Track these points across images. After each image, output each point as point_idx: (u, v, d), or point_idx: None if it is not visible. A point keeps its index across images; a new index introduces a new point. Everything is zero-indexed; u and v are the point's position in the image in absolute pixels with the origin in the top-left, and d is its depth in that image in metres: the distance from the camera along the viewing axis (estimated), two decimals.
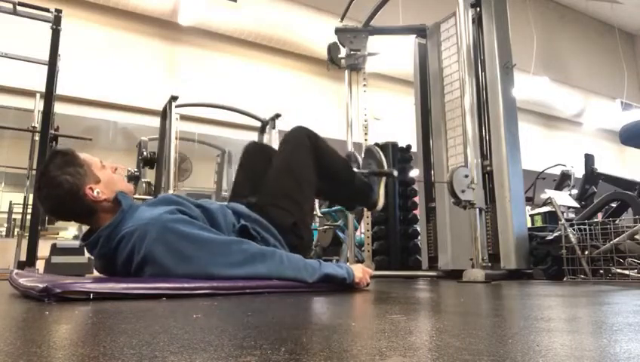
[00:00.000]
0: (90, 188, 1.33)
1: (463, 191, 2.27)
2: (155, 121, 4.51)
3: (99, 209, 1.35)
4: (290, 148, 1.70)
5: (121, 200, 1.34)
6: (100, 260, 1.38)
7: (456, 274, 2.48)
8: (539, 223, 3.24)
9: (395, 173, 2.04)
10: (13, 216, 6.53)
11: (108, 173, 1.42)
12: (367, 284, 1.46)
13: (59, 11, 3.04)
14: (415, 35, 3.46)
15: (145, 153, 4.40)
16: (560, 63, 9.59)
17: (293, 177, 1.64)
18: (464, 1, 2.61)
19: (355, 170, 1.97)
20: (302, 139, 1.70)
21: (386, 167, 2.01)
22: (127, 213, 1.32)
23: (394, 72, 7.53)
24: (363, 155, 2.12)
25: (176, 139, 3.95)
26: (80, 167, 1.36)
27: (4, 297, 1.18)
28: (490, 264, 2.35)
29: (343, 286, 1.37)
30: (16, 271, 1.66)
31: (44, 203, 1.36)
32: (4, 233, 6.85)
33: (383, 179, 2.02)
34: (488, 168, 2.76)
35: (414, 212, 3.43)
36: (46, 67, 2.95)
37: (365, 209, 2.12)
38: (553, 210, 2.92)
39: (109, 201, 1.35)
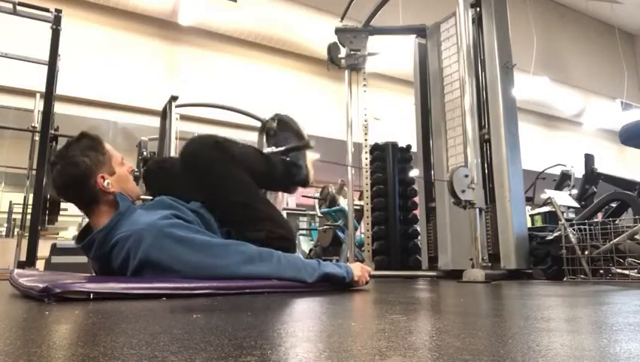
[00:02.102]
0: (102, 178, 1.35)
1: (463, 191, 2.26)
2: (155, 121, 4.51)
3: (102, 200, 1.35)
4: (209, 168, 1.52)
5: (119, 202, 1.34)
6: (96, 262, 1.39)
7: (456, 274, 2.48)
8: (539, 223, 3.24)
9: (312, 143, 1.82)
10: (13, 216, 6.54)
11: (124, 171, 1.44)
12: (367, 282, 1.46)
13: (59, 11, 3.04)
14: (415, 35, 3.46)
15: (145, 153, 4.40)
16: (560, 63, 9.59)
17: (237, 198, 1.52)
18: (464, 1, 2.61)
19: (273, 148, 1.80)
20: (215, 154, 1.52)
21: (305, 136, 1.83)
22: (124, 215, 1.32)
23: (394, 72, 7.54)
24: (276, 127, 1.94)
25: (176, 139, 3.94)
26: (102, 155, 1.38)
27: (4, 297, 1.18)
28: (490, 264, 2.34)
29: (342, 285, 1.37)
30: (16, 271, 1.66)
31: (55, 177, 1.37)
32: (4, 233, 6.86)
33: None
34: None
35: (414, 212, 3.42)
36: (46, 67, 2.95)
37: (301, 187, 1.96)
38: (553, 210, 2.92)
39: (114, 197, 1.36)
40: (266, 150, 1.81)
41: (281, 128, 1.93)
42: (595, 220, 2.66)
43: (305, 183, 1.87)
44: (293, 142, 1.84)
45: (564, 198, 3.20)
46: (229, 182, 1.53)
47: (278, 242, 1.48)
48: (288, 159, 1.80)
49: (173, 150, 3.87)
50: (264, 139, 2.10)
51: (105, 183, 1.34)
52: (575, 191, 3.99)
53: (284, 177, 1.81)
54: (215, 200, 1.53)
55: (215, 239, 1.31)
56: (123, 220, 1.31)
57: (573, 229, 2.40)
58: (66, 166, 1.34)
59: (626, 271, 2.19)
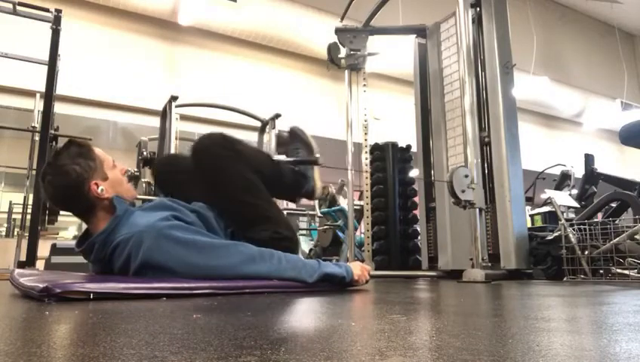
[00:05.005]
0: (96, 184, 1.33)
1: (463, 191, 2.26)
2: (155, 121, 4.51)
3: (98, 206, 1.35)
4: (217, 165, 1.52)
5: (116, 206, 1.33)
6: (95, 265, 1.38)
7: (456, 274, 2.47)
8: (539, 223, 3.24)
9: (321, 160, 1.85)
10: (13, 216, 6.54)
11: (117, 174, 1.42)
12: (367, 281, 1.47)
13: (59, 11, 3.04)
14: (415, 35, 3.46)
15: (145, 153, 4.40)
16: (560, 63, 9.60)
17: (244, 196, 1.52)
18: (464, 1, 2.61)
19: (283, 158, 1.83)
20: (222, 151, 1.53)
21: (314, 149, 1.87)
22: (122, 218, 1.31)
23: (394, 72, 7.54)
24: (288, 138, 1.97)
25: (176, 139, 3.95)
26: (92, 161, 1.36)
27: (4, 297, 1.18)
28: (490, 264, 2.34)
29: (342, 285, 1.37)
30: (17, 270, 1.66)
31: (47, 188, 1.35)
32: (4, 233, 6.86)
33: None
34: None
35: (414, 212, 3.42)
36: (46, 67, 2.95)
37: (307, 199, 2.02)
38: (553, 210, 2.92)
39: (110, 202, 1.35)
40: (276, 158, 1.83)
41: (292, 139, 1.96)
42: (595, 220, 2.66)
43: (311, 195, 1.91)
44: (303, 155, 1.89)
45: (564, 198, 3.20)
46: (234, 178, 1.52)
47: (283, 243, 1.47)
48: (297, 169, 1.83)
49: (173, 150, 3.87)
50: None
51: (99, 190, 1.33)
52: (575, 191, 3.99)
53: (292, 186, 1.83)
54: (221, 197, 1.53)
55: (215, 240, 1.31)
56: (122, 223, 1.30)
57: (573, 229, 2.40)
58: (57, 176, 1.32)
59: (626, 271, 2.19)
